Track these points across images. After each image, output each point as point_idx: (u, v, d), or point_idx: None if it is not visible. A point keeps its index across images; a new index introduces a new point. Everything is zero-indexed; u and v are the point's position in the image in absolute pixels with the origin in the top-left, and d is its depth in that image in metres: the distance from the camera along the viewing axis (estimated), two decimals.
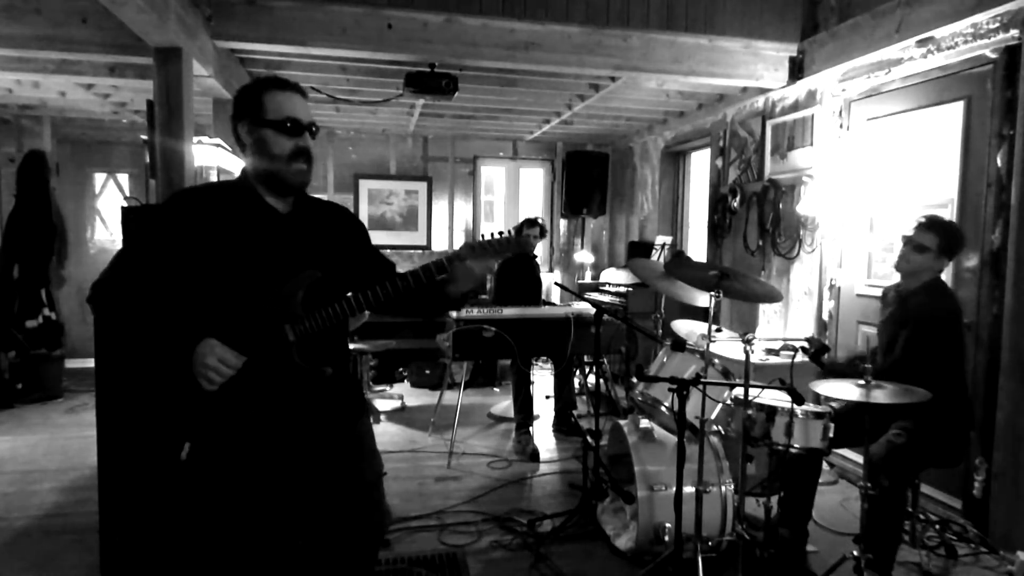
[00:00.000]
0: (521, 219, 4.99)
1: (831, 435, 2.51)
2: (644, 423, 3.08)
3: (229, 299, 1.62)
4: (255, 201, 1.67)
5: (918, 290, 2.66)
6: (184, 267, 1.61)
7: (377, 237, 2.09)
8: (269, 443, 1.66)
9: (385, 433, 4.66)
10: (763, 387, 2.55)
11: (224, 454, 1.65)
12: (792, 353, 2.79)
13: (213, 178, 4.14)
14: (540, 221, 4.83)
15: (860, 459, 2.81)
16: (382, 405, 5.27)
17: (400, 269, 1.75)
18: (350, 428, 1.80)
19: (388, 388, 5.92)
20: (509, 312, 4.29)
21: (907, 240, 2.66)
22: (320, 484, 1.73)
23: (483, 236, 1.66)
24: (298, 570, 1.74)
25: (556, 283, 4.14)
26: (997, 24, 3.04)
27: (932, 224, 2.62)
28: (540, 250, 7.50)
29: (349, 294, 1.67)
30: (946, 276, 3.33)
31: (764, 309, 4.72)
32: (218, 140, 4.00)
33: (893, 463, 2.50)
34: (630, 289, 5.77)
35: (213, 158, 3.88)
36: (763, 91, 4.59)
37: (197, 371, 1.56)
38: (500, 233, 1.64)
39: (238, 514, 1.67)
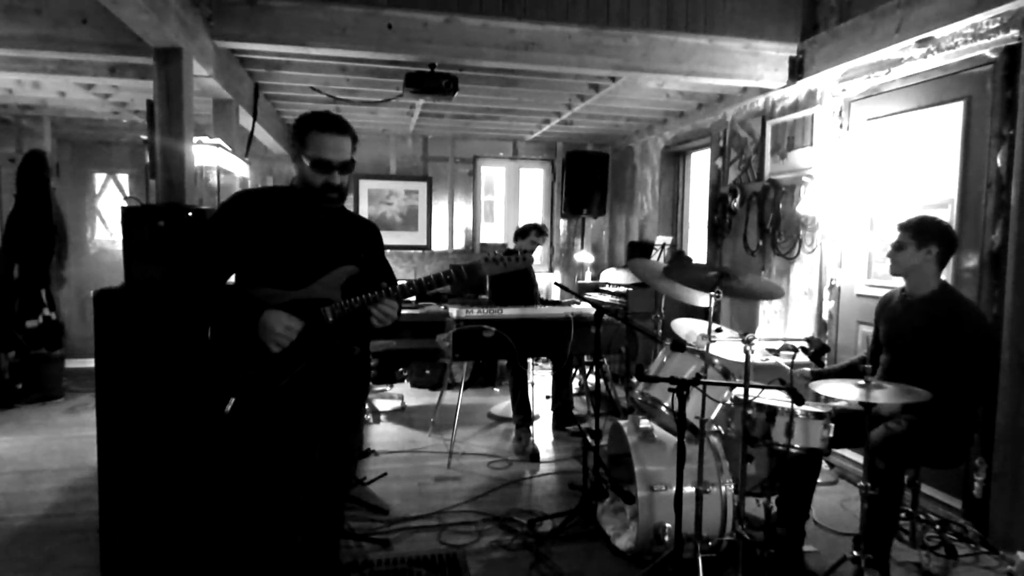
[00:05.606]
0: (521, 222, 5.05)
1: (831, 435, 2.51)
2: (644, 423, 3.07)
3: (278, 280, 1.97)
4: (301, 203, 2.04)
5: (933, 297, 2.67)
6: (242, 251, 1.97)
7: None
8: (299, 402, 2.01)
9: (385, 433, 4.66)
10: (763, 387, 2.55)
11: (264, 410, 1.98)
12: (792, 353, 2.79)
13: (213, 178, 4.15)
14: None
15: (860, 459, 2.81)
16: (382, 405, 5.26)
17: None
18: (359, 400, 2.33)
19: (388, 388, 5.92)
20: (509, 312, 4.28)
21: (889, 248, 2.77)
22: (325, 434, 2.12)
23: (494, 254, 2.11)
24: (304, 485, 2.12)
25: (556, 283, 4.15)
26: (997, 24, 3.04)
27: (904, 225, 2.73)
28: (539, 250, 7.52)
29: (383, 287, 2.01)
30: (946, 277, 3.35)
31: (764, 309, 4.72)
32: (218, 140, 4.00)
33: (890, 449, 2.51)
34: (630, 289, 5.78)
35: (213, 158, 3.88)
36: (763, 91, 4.59)
37: (267, 335, 1.90)
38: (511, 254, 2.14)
39: (268, 457, 2.04)
